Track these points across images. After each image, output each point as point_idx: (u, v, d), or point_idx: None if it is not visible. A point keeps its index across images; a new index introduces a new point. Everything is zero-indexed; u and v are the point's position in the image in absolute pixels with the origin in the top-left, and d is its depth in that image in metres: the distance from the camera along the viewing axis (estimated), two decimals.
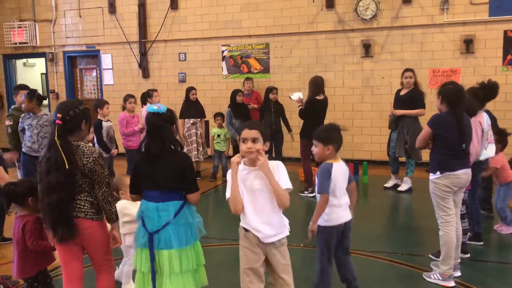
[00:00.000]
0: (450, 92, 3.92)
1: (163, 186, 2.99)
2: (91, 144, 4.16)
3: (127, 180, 3.56)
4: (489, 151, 4.76)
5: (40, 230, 3.27)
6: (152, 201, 3.01)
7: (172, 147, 3.05)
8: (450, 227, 3.93)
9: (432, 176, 3.99)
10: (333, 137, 3.39)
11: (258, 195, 2.90)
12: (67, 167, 2.86)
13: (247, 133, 2.86)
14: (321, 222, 3.37)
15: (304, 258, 4.56)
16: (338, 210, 3.38)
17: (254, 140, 2.85)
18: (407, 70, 7.10)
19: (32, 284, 3.29)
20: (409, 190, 7.15)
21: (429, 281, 4.02)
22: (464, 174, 3.96)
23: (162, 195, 2.99)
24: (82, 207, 2.98)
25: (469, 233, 4.89)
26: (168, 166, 2.99)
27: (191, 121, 8.15)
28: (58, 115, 2.94)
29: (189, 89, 8.30)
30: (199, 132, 8.22)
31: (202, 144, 8.27)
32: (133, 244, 3.16)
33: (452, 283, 3.94)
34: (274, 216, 2.94)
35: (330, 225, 3.37)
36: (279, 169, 2.91)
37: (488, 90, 4.83)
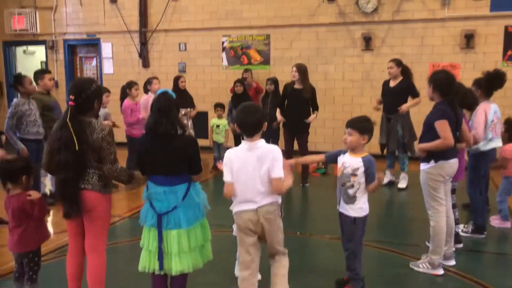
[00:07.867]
0: (442, 81, 3.87)
1: (172, 172, 3.04)
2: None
3: None
4: (496, 142, 4.85)
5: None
6: (160, 185, 3.07)
7: (179, 131, 3.08)
8: (441, 217, 3.93)
9: (424, 166, 3.95)
10: (369, 128, 3.38)
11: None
12: (77, 148, 2.92)
13: None
14: (362, 213, 3.41)
15: (300, 245, 4.60)
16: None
17: None
18: (390, 60, 6.90)
19: (33, 258, 3.35)
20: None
21: (418, 270, 4.03)
22: (455, 164, 3.98)
23: (170, 179, 3.05)
24: (90, 179, 3.05)
25: (471, 226, 4.93)
26: (177, 152, 3.03)
27: (182, 112, 7.73)
28: (71, 96, 2.98)
29: (177, 77, 8.00)
30: (189, 123, 7.93)
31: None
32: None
33: (441, 271, 3.96)
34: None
35: (366, 215, 3.45)
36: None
37: (493, 79, 4.81)
